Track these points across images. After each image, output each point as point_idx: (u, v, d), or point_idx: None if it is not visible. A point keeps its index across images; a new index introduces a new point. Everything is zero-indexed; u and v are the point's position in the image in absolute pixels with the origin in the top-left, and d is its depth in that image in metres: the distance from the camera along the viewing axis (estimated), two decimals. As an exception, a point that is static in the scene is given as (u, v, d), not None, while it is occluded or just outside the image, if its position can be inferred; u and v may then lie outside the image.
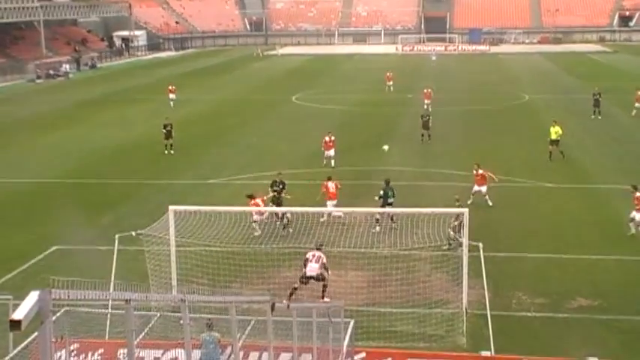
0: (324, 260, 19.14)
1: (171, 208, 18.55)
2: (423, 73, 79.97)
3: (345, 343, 14.89)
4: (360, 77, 77.89)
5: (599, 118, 47.12)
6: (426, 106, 49.53)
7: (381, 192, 25.21)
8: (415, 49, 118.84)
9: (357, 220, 23.93)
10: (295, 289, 18.72)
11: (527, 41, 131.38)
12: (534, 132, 40.27)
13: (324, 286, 19.01)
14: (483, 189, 27.81)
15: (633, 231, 24.14)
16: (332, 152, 34.64)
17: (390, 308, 18.50)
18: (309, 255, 19.10)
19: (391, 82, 64.84)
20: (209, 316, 13.82)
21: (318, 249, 19.42)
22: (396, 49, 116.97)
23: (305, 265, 18.96)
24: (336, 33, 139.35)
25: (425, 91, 52.09)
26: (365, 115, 51.25)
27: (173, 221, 18.38)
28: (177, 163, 36.73)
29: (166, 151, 38.51)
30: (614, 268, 21.65)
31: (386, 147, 34.01)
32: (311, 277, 18.89)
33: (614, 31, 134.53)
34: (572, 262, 22.21)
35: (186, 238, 19.86)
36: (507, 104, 55.97)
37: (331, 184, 26.26)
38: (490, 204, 27.36)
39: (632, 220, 24.15)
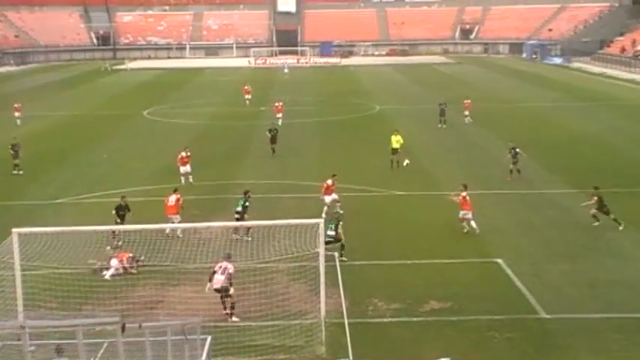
0: (231, 271, 19.10)
1: (15, 230, 17.63)
2: (276, 86, 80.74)
3: (203, 360, 14.71)
4: (212, 91, 77.49)
5: (444, 127, 49.34)
6: (278, 120, 50.08)
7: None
8: (268, 62, 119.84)
9: (214, 235, 23.75)
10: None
11: (376, 53, 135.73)
12: (384, 142, 41.48)
13: (232, 304, 18.94)
14: (335, 196, 28.56)
15: (467, 228, 25.90)
16: (188, 168, 33.98)
17: (249, 322, 18.45)
18: (217, 267, 19.12)
19: (249, 96, 64.46)
20: (58, 341, 13.25)
21: (226, 260, 19.38)
22: (249, 62, 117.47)
23: (210, 279, 18.95)
24: (187, 46, 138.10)
25: (276, 104, 52.53)
26: (218, 129, 51.06)
27: (17, 244, 17.47)
28: (22, 182, 35.02)
29: (15, 171, 36.63)
30: (462, 269, 22.66)
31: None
32: (217, 290, 18.87)
33: (456, 44, 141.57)
34: (425, 266, 23.04)
35: (33, 262, 18.96)
36: (359, 115, 57.47)
37: (172, 198, 25.88)
38: (341, 212, 27.94)
39: (462, 218, 26.08)
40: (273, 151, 40.24)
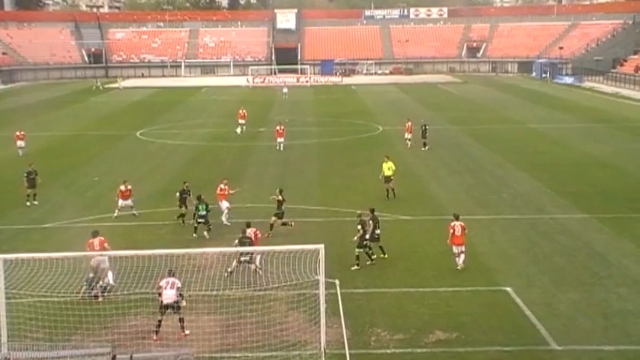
0: (179, 285, 19.59)
1: (0, 256, 17.65)
2: (275, 106, 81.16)
3: (198, 393, 14.67)
4: (209, 110, 77.85)
5: (426, 148, 49.01)
6: (278, 145, 49.83)
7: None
8: (266, 80, 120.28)
9: (209, 262, 23.74)
10: (160, 322, 19.30)
11: (379, 72, 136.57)
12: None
13: (181, 319, 19.41)
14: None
15: (461, 265, 25.08)
16: (130, 202, 32.66)
17: (245, 353, 18.41)
18: (163, 282, 19.58)
19: (244, 121, 59.43)
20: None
21: (170, 275, 19.85)
22: (247, 80, 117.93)
23: (160, 295, 19.44)
24: (183, 64, 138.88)
25: (277, 128, 51.22)
26: (215, 151, 51.20)
27: (2, 271, 17.48)
28: (6, 205, 35.01)
29: (29, 202, 35.02)
30: (469, 299, 22.60)
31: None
32: (167, 306, 19.32)
33: (463, 62, 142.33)
34: (430, 295, 22.98)
35: (19, 290, 18.95)
36: (361, 136, 57.62)
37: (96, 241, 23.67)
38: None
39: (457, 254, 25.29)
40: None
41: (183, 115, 73.79)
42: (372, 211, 26.66)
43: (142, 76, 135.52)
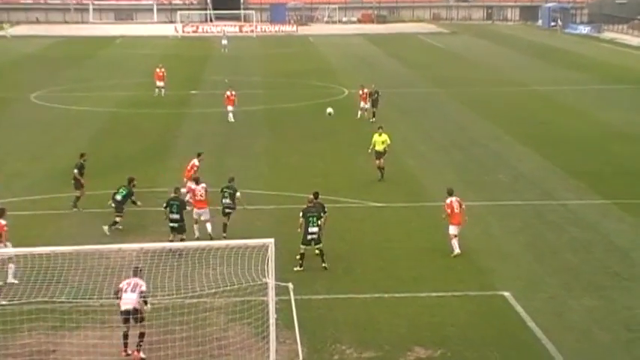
0: (143, 289, 19.57)
1: None
2: (211, 63, 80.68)
3: None
4: (125, 68, 77.25)
5: (373, 120, 48.17)
6: (230, 115, 48.96)
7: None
8: (200, 29, 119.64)
9: (127, 260, 23.62)
10: (126, 334, 19.44)
11: (344, 19, 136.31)
12: (357, 136, 41.59)
13: (141, 334, 19.34)
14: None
15: (458, 250, 26.09)
16: None
17: (173, 377, 18.44)
18: (124, 284, 19.57)
19: (162, 83, 59.54)
20: None
21: (135, 275, 19.84)
22: (175, 29, 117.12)
23: (119, 297, 19.41)
24: (91, 7, 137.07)
25: (227, 94, 50.01)
26: (133, 119, 50.79)
27: None
28: None
29: None
30: (457, 306, 22.79)
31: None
32: (127, 312, 19.22)
33: (450, 7, 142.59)
34: (408, 301, 23.13)
35: None
36: (322, 101, 57.50)
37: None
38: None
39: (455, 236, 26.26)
40: None
41: (92, 74, 73.09)
42: (316, 195, 26.45)
43: (37, 21, 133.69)
